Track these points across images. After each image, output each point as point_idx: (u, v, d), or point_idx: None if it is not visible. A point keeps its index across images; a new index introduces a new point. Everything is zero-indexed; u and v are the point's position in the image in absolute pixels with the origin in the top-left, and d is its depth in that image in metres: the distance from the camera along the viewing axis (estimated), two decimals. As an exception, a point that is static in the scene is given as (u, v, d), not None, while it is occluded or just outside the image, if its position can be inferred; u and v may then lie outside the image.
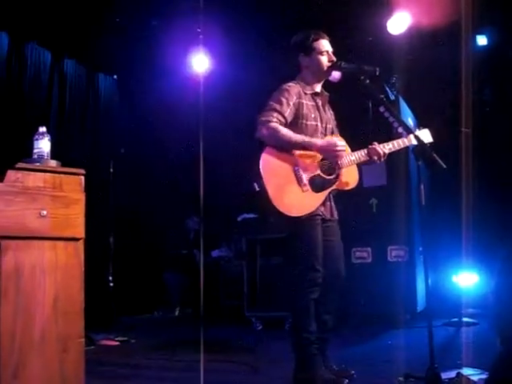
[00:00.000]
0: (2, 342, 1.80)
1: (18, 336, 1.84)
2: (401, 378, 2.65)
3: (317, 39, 2.91)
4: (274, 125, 2.75)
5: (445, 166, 2.49)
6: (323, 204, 2.83)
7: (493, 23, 5.58)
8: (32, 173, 1.95)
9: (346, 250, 2.99)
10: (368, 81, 2.77)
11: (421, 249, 4.78)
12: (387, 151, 2.90)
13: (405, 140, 2.91)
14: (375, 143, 2.89)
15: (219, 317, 5.87)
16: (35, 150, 2.10)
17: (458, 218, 4.60)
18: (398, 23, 5.38)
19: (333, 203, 2.94)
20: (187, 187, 6.46)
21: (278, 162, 2.75)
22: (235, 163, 6.04)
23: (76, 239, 2.01)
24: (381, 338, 4.20)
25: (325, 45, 2.92)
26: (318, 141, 2.82)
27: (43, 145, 2.10)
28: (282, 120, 2.79)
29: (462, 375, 2.51)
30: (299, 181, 2.75)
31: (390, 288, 4.62)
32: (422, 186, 2.53)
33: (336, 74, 2.95)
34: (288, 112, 2.81)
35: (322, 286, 2.74)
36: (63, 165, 2.09)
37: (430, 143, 2.91)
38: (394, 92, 4.99)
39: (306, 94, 2.92)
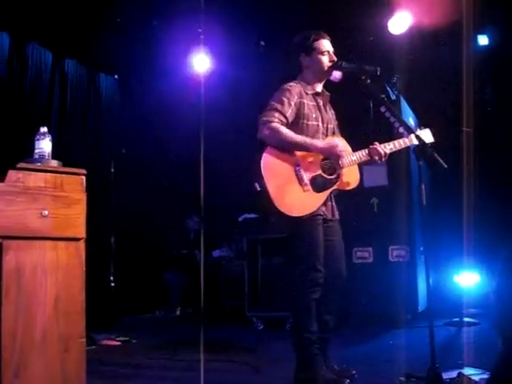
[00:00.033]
0: (3, 342, 1.81)
1: (20, 336, 1.84)
2: (402, 378, 2.65)
3: (317, 39, 2.92)
4: (276, 125, 2.75)
5: (446, 166, 2.48)
6: (324, 204, 2.83)
7: (494, 23, 5.58)
8: (33, 173, 1.95)
9: (347, 250, 2.99)
10: (369, 81, 2.77)
11: (422, 249, 4.78)
12: (388, 151, 2.90)
13: (406, 140, 2.90)
14: (376, 143, 2.89)
15: (220, 317, 5.87)
16: (36, 150, 2.10)
17: (459, 218, 4.60)
18: (399, 23, 5.38)
19: (334, 203, 2.94)
20: (188, 187, 6.47)
21: (279, 162, 2.75)
22: (236, 163, 6.05)
23: (77, 239, 2.01)
24: (382, 338, 4.20)
25: (325, 45, 2.92)
26: (319, 142, 2.82)
27: (44, 145, 2.11)
28: (284, 120, 2.79)
29: (464, 375, 2.51)
30: (300, 181, 2.75)
31: (391, 288, 4.62)
32: (423, 186, 2.53)
33: (337, 74, 2.95)
34: (289, 112, 2.81)
35: (323, 286, 2.74)
36: (64, 165, 2.09)
37: (431, 143, 2.90)
38: (395, 92, 4.98)
39: (307, 93, 2.92)
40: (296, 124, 2.84)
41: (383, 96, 2.80)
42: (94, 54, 6.17)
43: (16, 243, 1.86)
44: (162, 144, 6.98)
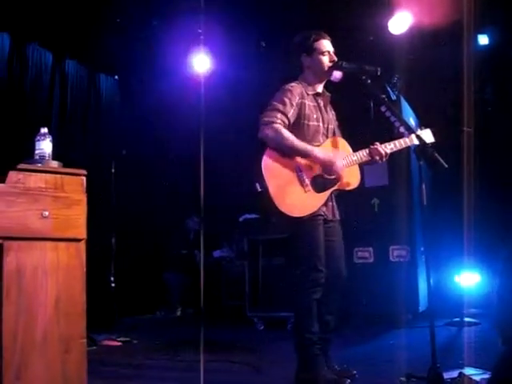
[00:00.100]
0: (4, 343, 1.80)
1: (20, 337, 1.84)
2: (403, 378, 2.65)
3: (318, 39, 2.91)
4: (278, 126, 2.75)
5: (446, 166, 2.48)
6: (325, 204, 2.83)
7: (494, 22, 5.57)
8: (33, 174, 1.95)
9: (347, 250, 2.99)
10: (369, 81, 2.77)
11: (422, 249, 4.78)
12: (389, 151, 2.89)
13: (406, 140, 2.90)
14: (377, 143, 2.89)
15: (221, 317, 5.87)
16: (37, 151, 2.10)
17: (459, 218, 4.60)
18: (400, 23, 5.38)
19: (335, 203, 2.94)
20: (188, 187, 6.48)
21: (279, 162, 2.75)
22: (236, 163, 6.05)
23: (78, 240, 2.01)
24: (383, 338, 4.20)
25: (326, 45, 2.92)
26: (320, 153, 2.78)
27: (45, 146, 2.10)
28: (286, 121, 2.79)
29: (464, 375, 2.51)
30: (301, 181, 2.75)
31: (392, 288, 4.62)
32: (424, 186, 2.53)
33: (337, 74, 2.95)
34: (291, 112, 2.81)
35: (324, 286, 2.74)
36: (65, 165, 2.09)
37: (432, 143, 2.90)
38: (396, 92, 4.98)
39: (308, 94, 2.91)
40: (297, 124, 2.83)
41: (384, 96, 2.79)
42: (94, 54, 6.17)
43: (17, 244, 1.86)
44: (162, 144, 6.98)
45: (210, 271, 6.14)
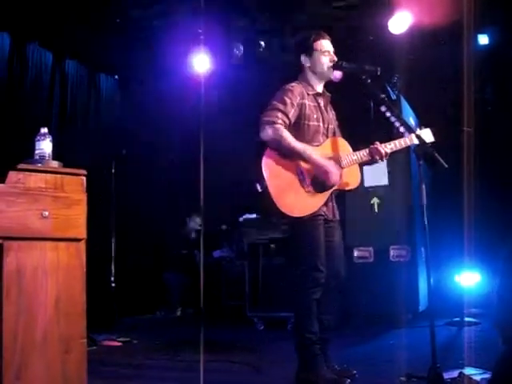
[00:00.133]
0: (4, 343, 1.81)
1: (20, 337, 1.84)
2: (403, 378, 2.65)
3: (318, 39, 2.92)
4: (278, 126, 2.74)
5: (446, 166, 2.49)
6: (325, 204, 2.83)
7: (494, 22, 5.58)
8: (33, 174, 1.95)
9: (347, 250, 3.00)
10: (369, 80, 2.77)
11: (423, 248, 4.77)
12: (389, 151, 2.89)
13: (406, 139, 2.90)
14: (377, 143, 2.89)
15: (221, 317, 5.87)
16: (37, 151, 2.10)
17: (459, 218, 4.60)
18: (399, 23, 5.38)
19: (335, 203, 2.94)
20: (188, 187, 6.46)
21: (280, 163, 2.75)
22: (236, 163, 6.05)
23: (78, 240, 2.01)
24: (383, 338, 4.20)
25: (326, 45, 2.92)
26: (318, 158, 2.77)
27: (45, 146, 2.10)
28: (286, 121, 2.78)
29: (464, 375, 2.51)
30: (301, 181, 2.75)
31: (392, 288, 4.62)
32: (424, 186, 2.53)
33: (337, 74, 2.95)
34: (292, 112, 2.81)
35: (324, 286, 2.74)
36: (65, 165, 2.09)
37: (432, 143, 2.90)
38: (396, 91, 4.98)
39: (308, 94, 2.91)
40: (297, 124, 2.84)
41: (383, 96, 2.79)
42: (94, 54, 6.17)
43: (17, 244, 1.86)
44: (162, 144, 6.98)
45: (210, 271, 6.13)
